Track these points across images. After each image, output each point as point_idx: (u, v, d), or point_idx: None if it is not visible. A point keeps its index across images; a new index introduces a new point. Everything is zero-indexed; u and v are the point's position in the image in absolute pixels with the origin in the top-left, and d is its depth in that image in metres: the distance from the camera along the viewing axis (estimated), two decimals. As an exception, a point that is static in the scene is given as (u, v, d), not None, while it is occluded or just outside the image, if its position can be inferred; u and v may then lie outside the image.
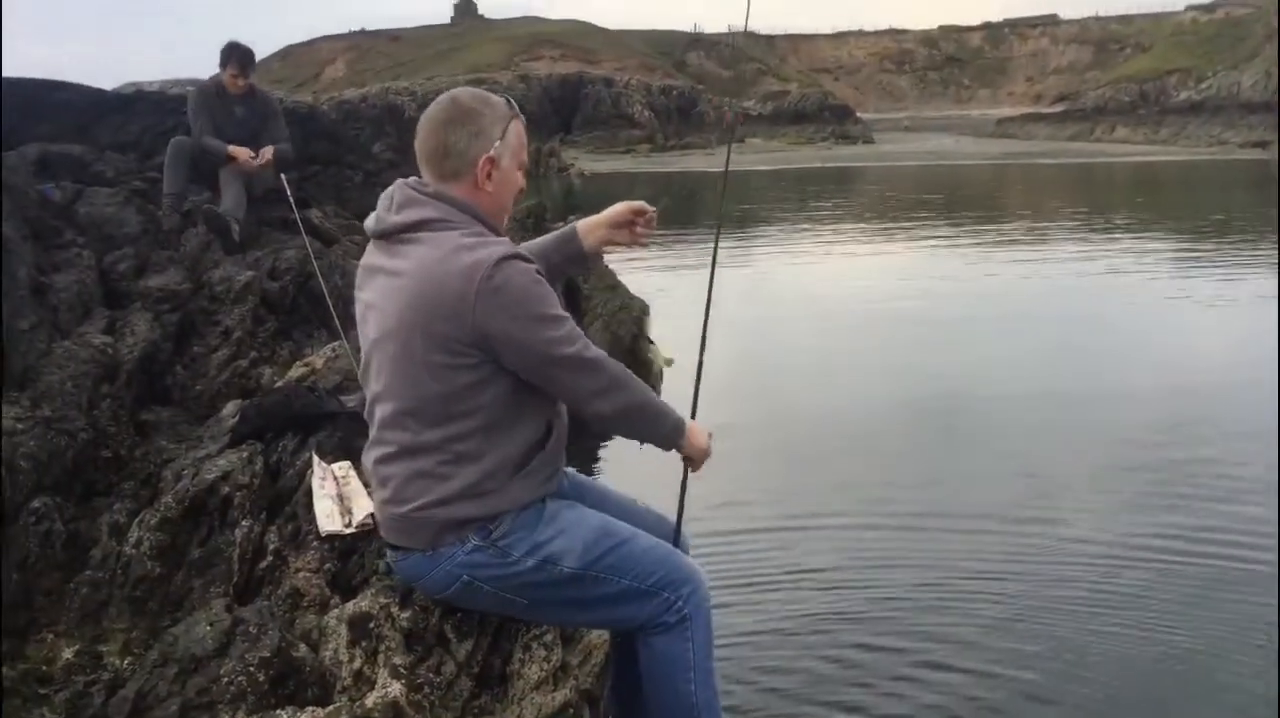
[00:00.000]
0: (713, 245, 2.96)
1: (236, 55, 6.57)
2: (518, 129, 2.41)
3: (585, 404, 2.34)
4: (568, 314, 2.28)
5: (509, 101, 2.43)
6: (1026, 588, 4.67)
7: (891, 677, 3.96)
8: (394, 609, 2.50)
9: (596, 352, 2.30)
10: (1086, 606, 4.48)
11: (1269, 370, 7.80)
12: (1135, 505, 5.69)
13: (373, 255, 2.38)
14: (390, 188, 2.37)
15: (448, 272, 2.18)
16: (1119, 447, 6.70)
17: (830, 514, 5.63)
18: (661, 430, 2.47)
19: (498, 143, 2.34)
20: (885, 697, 3.83)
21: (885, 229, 18.96)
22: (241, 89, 6.63)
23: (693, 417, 2.62)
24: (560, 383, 2.30)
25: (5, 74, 9.11)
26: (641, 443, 2.50)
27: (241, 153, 6.41)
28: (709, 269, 2.89)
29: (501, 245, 2.23)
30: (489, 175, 2.34)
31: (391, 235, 2.32)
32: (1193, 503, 5.64)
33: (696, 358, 2.82)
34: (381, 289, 2.31)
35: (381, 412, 2.34)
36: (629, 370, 2.40)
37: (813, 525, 5.49)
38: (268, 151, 6.47)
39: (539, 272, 2.25)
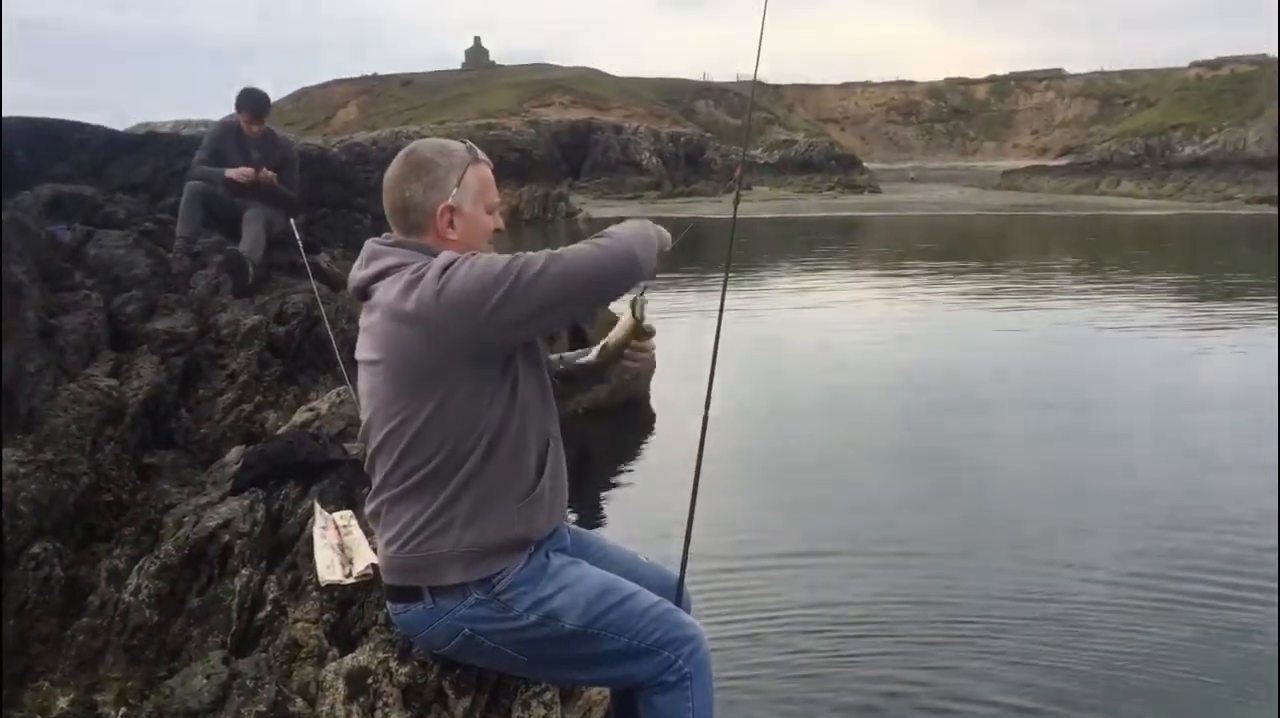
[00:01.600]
0: (720, 290, 2.97)
1: (249, 103, 6.65)
2: (478, 173, 2.41)
3: (603, 286, 2.27)
4: (517, 254, 2.23)
5: (469, 147, 2.44)
6: (1038, 623, 4.74)
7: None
8: (392, 664, 2.47)
9: (565, 253, 2.22)
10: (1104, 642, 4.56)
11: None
12: (1142, 540, 5.78)
13: (361, 318, 2.41)
14: (363, 248, 2.41)
15: (403, 303, 2.20)
16: (1122, 486, 6.78)
17: (831, 552, 5.69)
18: (651, 251, 2.38)
19: (455, 190, 2.36)
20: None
21: (889, 276, 19.00)
22: (258, 134, 6.70)
23: (699, 462, 2.67)
24: (564, 296, 2.21)
25: (21, 114, 9.24)
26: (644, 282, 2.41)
27: (239, 174, 6.48)
28: (716, 314, 2.88)
29: (440, 258, 2.23)
30: (450, 224, 2.37)
31: (364, 291, 2.36)
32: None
33: (705, 400, 2.81)
34: (364, 344, 2.36)
35: (384, 461, 2.34)
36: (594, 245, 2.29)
37: (816, 564, 5.53)
38: (268, 174, 6.54)
39: (473, 254, 2.25)
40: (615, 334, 2.59)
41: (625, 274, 2.29)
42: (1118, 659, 4.44)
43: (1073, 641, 4.59)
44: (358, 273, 2.37)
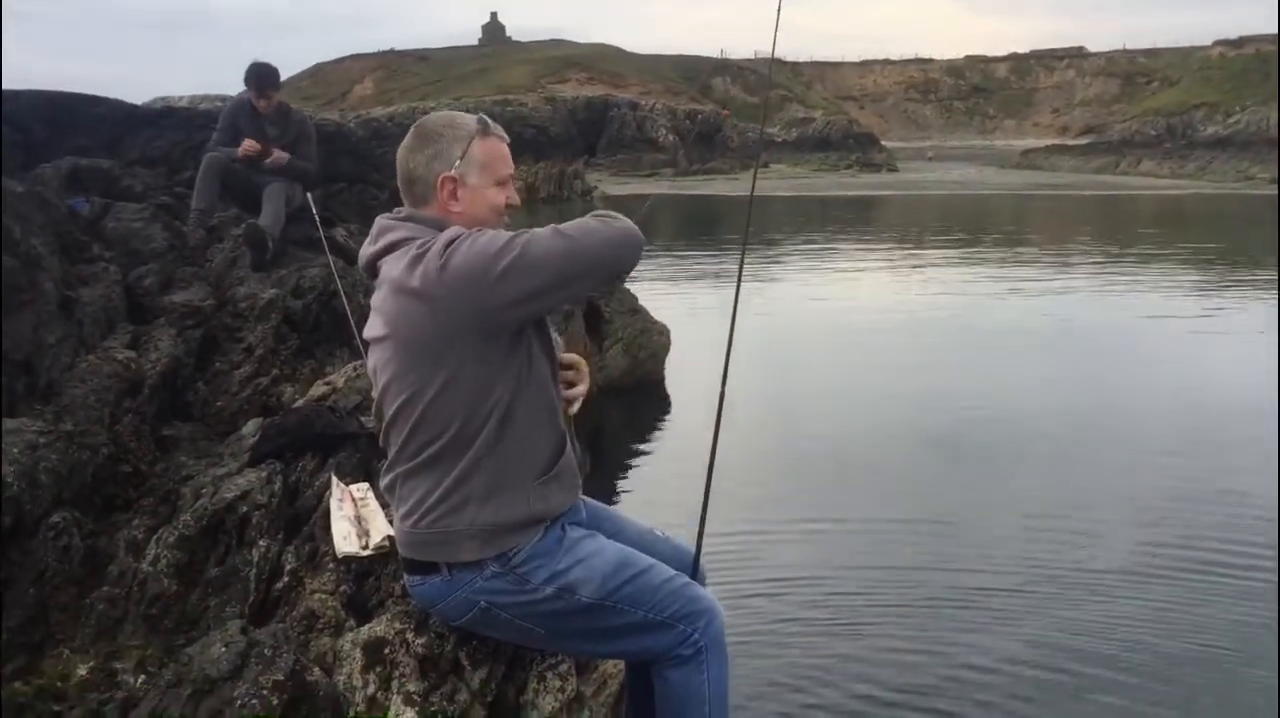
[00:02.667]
0: (737, 268, 2.94)
1: (254, 78, 6.63)
2: (487, 146, 2.39)
3: (604, 266, 2.27)
4: (521, 230, 2.24)
5: (481, 118, 2.42)
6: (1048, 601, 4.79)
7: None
8: (409, 635, 2.48)
9: (568, 228, 2.22)
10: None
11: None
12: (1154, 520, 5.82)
13: (373, 296, 2.41)
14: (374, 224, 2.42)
15: (408, 278, 2.21)
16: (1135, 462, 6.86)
17: (850, 528, 5.77)
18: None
19: (459, 162, 2.35)
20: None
21: (908, 255, 18.93)
22: (270, 109, 6.70)
23: (715, 437, 2.66)
24: (566, 273, 2.21)
25: (40, 88, 9.26)
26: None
27: (250, 146, 6.48)
28: (733, 293, 2.87)
29: (446, 233, 2.24)
30: (453, 194, 2.36)
31: (371, 266, 2.38)
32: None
33: (720, 380, 2.79)
34: (373, 321, 2.36)
35: (397, 435, 2.35)
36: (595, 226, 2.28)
37: (836, 535, 5.64)
38: (281, 155, 6.54)
39: (479, 229, 2.25)
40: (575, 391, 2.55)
41: (631, 252, 2.29)
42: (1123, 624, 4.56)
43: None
44: (367, 248, 2.38)
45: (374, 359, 2.38)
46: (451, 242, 2.20)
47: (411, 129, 2.42)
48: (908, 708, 3.96)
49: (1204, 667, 4.21)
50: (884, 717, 3.92)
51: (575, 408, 2.55)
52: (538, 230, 2.21)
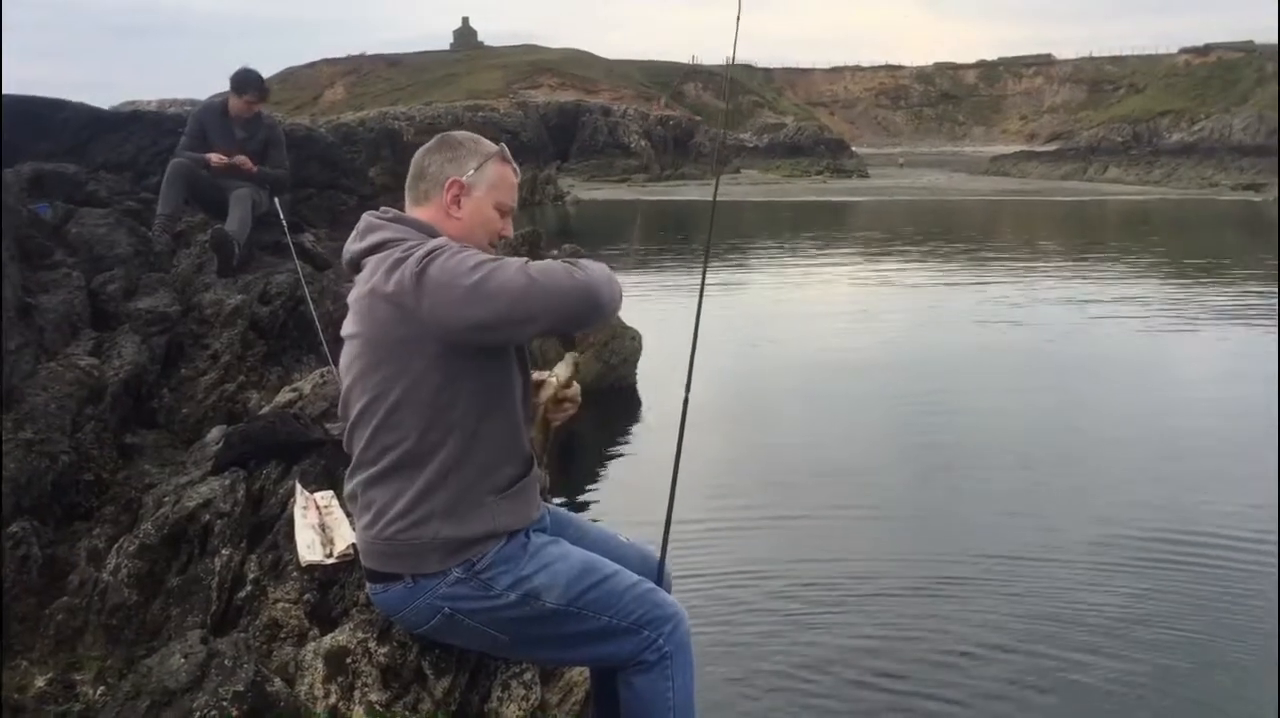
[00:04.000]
0: (700, 277, 2.96)
1: (238, 81, 6.62)
2: (500, 170, 2.45)
3: (558, 313, 2.21)
4: (498, 256, 2.25)
5: (502, 147, 2.49)
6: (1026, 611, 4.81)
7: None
8: (372, 644, 2.47)
9: (536, 266, 2.19)
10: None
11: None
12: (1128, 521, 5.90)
13: (352, 290, 2.41)
14: (359, 220, 2.43)
15: (386, 280, 2.21)
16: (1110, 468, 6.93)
17: (819, 539, 5.73)
18: (615, 302, 2.33)
19: (472, 171, 2.40)
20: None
21: (876, 260, 19.03)
22: (246, 113, 6.68)
23: (679, 445, 2.66)
24: (520, 310, 2.17)
25: (8, 93, 9.17)
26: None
27: (217, 158, 6.46)
28: (697, 300, 2.90)
29: (432, 241, 2.26)
30: (456, 200, 2.39)
31: (356, 264, 2.38)
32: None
33: (684, 385, 2.80)
34: (350, 320, 2.36)
35: (360, 436, 2.34)
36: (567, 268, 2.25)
37: (804, 552, 5.57)
38: (245, 160, 6.52)
39: (464, 246, 2.27)
40: (543, 395, 2.51)
41: (589, 312, 2.25)
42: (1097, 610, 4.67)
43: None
44: (352, 245, 2.39)
45: (344, 357, 2.39)
46: (432, 252, 2.20)
47: (436, 137, 2.49)
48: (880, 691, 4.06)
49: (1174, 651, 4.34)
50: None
51: (556, 424, 2.56)
52: (509, 260, 2.21)
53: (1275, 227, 24.69)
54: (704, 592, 4.86)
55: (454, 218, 2.39)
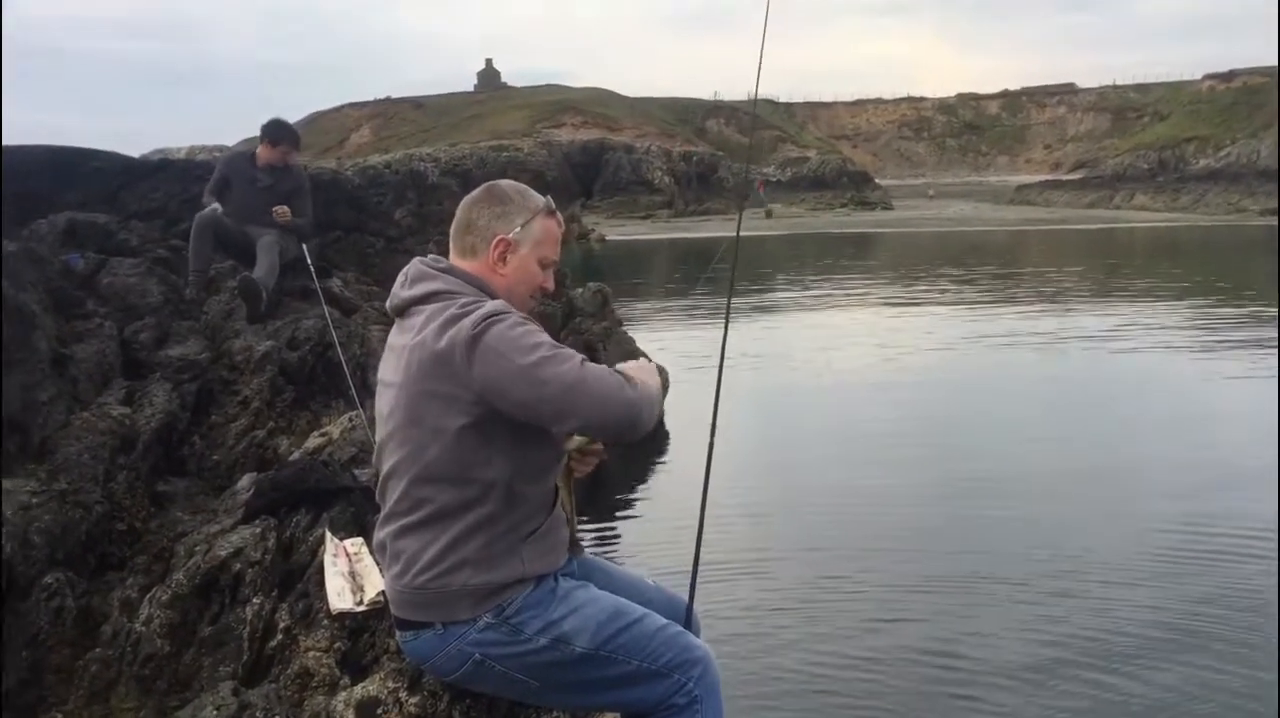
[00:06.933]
0: (724, 311, 2.98)
1: (270, 129, 6.69)
2: (546, 225, 2.48)
3: (597, 419, 2.23)
4: (559, 345, 2.25)
5: (548, 201, 2.51)
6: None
7: None
8: (403, 694, 2.46)
9: (591, 369, 2.22)
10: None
11: None
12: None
13: (391, 335, 2.43)
14: (407, 265, 2.44)
15: (440, 335, 2.22)
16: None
17: (852, 578, 5.69)
18: (653, 417, 2.35)
19: (519, 229, 2.42)
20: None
21: (904, 291, 18.99)
22: (275, 160, 6.72)
23: (705, 488, 2.68)
24: (565, 405, 2.20)
25: (41, 142, 9.35)
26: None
27: (282, 209, 6.49)
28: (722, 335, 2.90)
29: (491, 304, 2.27)
30: (502, 257, 2.41)
31: (403, 310, 2.39)
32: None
33: (710, 427, 2.81)
34: (392, 365, 2.37)
35: (394, 487, 2.35)
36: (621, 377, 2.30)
37: (834, 590, 5.55)
38: (285, 211, 6.54)
39: (525, 318, 2.28)
40: (569, 445, 2.50)
41: (626, 429, 2.26)
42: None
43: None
44: (402, 292, 2.39)
45: (382, 403, 2.39)
46: (490, 316, 2.22)
47: (483, 187, 2.51)
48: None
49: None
50: None
51: (579, 475, 2.56)
52: (568, 351, 2.23)
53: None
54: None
55: (500, 274, 2.42)
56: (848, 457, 8.21)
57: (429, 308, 2.31)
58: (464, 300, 2.29)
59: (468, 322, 2.21)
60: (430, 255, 2.46)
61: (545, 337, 2.26)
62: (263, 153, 6.73)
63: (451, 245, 2.46)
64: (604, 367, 2.28)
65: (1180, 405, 9.78)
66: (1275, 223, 37.57)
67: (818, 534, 6.31)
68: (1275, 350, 11.50)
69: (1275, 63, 62.16)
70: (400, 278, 2.43)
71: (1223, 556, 5.80)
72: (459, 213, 2.47)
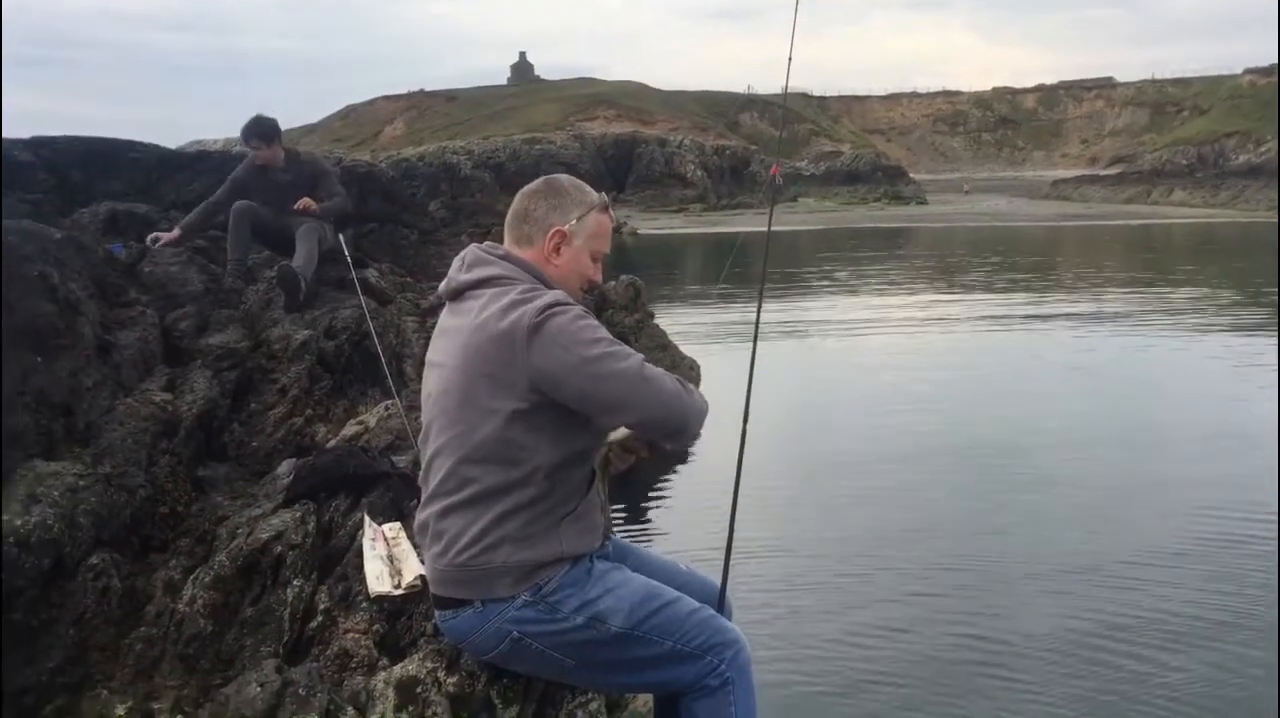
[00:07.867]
0: (756, 305, 3.01)
1: (250, 132, 6.66)
2: (600, 219, 2.54)
3: (653, 416, 2.33)
4: (618, 341, 2.33)
5: (603, 195, 2.58)
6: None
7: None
8: (441, 674, 2.51)
9: (651, 369, 2.32)
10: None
11: None
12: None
13: (443, 318, 2.49)
14: (463, 251, 2.51)
15: (501, 319, 2.28)
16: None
17: (878, 568, 5.73)
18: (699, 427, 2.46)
19: (574, 222, 2.48)
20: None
21: (940, 289, 18.91)
22: (276, 160, 6.71)
23: (738, 475, 2.76)
24: (624, 400, 2.29)
25: (80, 134, 9.49)
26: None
27: (305, 201, 6.51)
28: (754, 330, 2.94)
29: (552, 294, 2.33)
30: (557, 248, 2.47)
31: (459, 294, 2.45)
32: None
33: (743, 413, 2.85)
34: (444, 348, 2.43)
35: (440, 466, 2.39)
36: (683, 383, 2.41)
37: (863, 577, 5.60)
38: (309, 202, 6.56)
39: (585, 311, 2.34)
40: (612, 437, 2.61)
41: (676, 430, 2.36)
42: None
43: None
44: (459, 275, 2.46)
45: (432, 384, 2.45)
46: (553, 305, 2.27)
47: (542, 180, 2.57)
48: None
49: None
50: None
51: (615, 469, 2.62)
52: (628, 349, 2.31)
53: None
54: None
55: (553, 264, 2.47)
56: (878, 440, 8.21)
57: (487, 292, 2.37)
58: (524, 287, 2.35)
59: (531, 308, 2.27)
60: (486, 243, 2.53)
61: (605, 332, 2.33)
62: (264, 155, 6.71)
63: (506, 233, 2.53)
64: (663, 369, 2.35)
65: (1214, 402, 9.69)
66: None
67: (846, 520, 6.36)
68: (1275, 350, 11.47)
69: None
70: (457, 262, 2.51)
71: (1254, 539, 5.82)
72: (516, 202, 2.53)
